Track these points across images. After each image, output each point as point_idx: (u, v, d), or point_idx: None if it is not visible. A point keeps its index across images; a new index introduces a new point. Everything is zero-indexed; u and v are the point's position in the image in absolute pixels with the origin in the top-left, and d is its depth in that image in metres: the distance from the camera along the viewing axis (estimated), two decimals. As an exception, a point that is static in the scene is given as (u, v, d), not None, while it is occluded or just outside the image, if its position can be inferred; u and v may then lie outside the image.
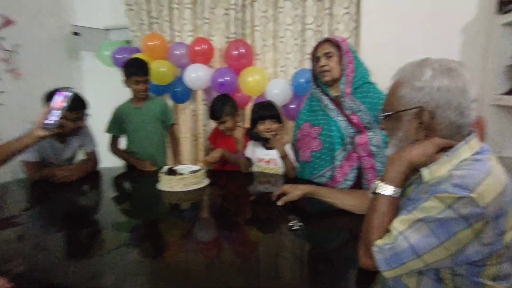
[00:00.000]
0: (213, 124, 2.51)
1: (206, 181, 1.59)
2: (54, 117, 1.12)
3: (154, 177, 1.63)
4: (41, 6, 2.57)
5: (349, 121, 1.53)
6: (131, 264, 0.93)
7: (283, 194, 1.24)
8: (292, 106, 2.24)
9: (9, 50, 2.34)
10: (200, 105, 2.60)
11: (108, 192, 1.68)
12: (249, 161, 1.81)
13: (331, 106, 1.56)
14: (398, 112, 0.80)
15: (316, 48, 1.57)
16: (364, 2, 2.20)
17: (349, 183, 1.54)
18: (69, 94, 1.18)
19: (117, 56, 2.49)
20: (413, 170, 0.81)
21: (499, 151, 2.02)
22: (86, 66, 3.00)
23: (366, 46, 2.25)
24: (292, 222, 1.08)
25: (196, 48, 2.27)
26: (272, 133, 1.70)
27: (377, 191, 0.79)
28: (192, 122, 2.62)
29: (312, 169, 1.63)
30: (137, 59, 1.96)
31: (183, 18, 2.49)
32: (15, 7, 2.34)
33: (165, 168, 1.58)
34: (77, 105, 1.60)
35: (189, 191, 1.48)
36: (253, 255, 1.00)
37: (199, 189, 1.51)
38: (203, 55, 2.28)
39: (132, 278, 0.85)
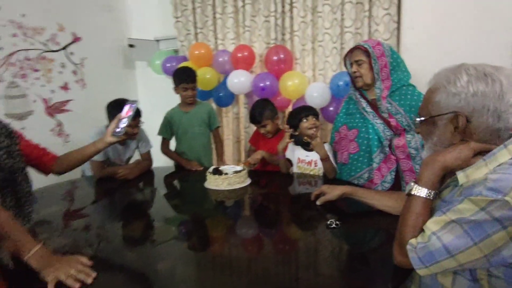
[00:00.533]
0: (254, 127, 2.64)
1: (248, 181, 1.70)
2: (122, 125, 1.28)
3: (200, 176, 1.79)
4: (101, 22, 2.88)
5: (387, 123, 1.54)
6: (180, 255, 1.04)
7: (322, 194, 1.29)
8: (331, 109, 2.27)
9: (77, 63, 2.67)
10: (242, 109, 2.72)
11: (160, 189, 1.87)
12: (289, 162, 1.88)
13: (368, 109, 1.58)
14: (433, 117, 0.83)
15: (347, 54, 1.61)
16: (405, 1, 2.16)
17: (387, 185, 1.55)
18: (135, 105, 1.34)
19: (167, 65, 2.71)
20: (450, 173, 0.83)
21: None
22: (140, 75, 3.27)
23: (407, 46, 2.21)
24: (330, 220, 1.14)
25: (238, 55, 2.40)
26: (315, 129, 1.75)
27: (412, 192, 0.83)
28: (235, 124, 2.76)
29: (350, 170, 1.66)
30: (185, 68, 2.14)
31: (226, 27, 2.64)
32: (80, 25, 2.67)
33: (211, 168, 1.71)
34: (137, 113, 1.79)
35: (233, 189, 1.60)
36: (292, 251, 1.08)
37: (242, 188, 1.62)
38: (244, 62, 2.41)
39: (182, 267, 0.97)
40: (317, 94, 2.18)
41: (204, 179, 1.68)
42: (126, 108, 1.33)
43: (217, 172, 1.67)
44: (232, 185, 1.63)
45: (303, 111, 1.81)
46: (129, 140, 1.96)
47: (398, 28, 2.18)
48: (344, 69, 2.29)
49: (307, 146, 1.80)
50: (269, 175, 1.93)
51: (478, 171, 0.75)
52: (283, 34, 2.47)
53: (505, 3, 1.97)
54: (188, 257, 1.05)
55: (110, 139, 1.29)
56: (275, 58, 2.32)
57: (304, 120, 1.78)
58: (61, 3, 2.51)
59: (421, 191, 0.81)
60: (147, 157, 2.05)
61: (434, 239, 0.72)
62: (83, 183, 1.93)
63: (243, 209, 1.52)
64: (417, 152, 1.48)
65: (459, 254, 0.69)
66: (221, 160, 2.28)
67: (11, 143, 1.05)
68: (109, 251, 1.06)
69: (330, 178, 1.72)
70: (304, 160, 1.87)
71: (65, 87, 2.59)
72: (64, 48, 2.56)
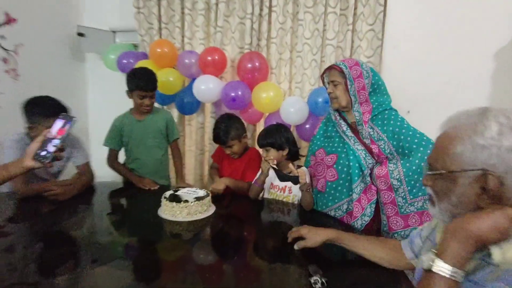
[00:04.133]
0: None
1: (212, 209, 1.44)
2: (51, 149, 0.96)
3: (154, 198, 1.50)
4: (45, 4, 2.43)
5: (368, 150, 1.39)
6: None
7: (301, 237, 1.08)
8: (307, 126, 2.07)
9: (9, 50, 2.19)
10: (208, 118, 2.44)
11: (102, 210, 1.54)
12: (261, 188, 1.64)
13: (349, 133, 1.43)
14: (454, 172, 0.65)
15: (324, 72, 1.48)
16: (389, 18, 2.05)
17: (367, 218, 1.39)
18: (70, 122, 1.01)
19: (123, 61, 2.35)
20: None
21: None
22: (91, 69, 2.85)
23: (389, 65, 2.09)
24: (314, 279, 0.91)
25: (207, 57, 2.12)
26: (272, 160, 1.54)
27: (433, 269, 0.63)
28: (199, 135, 2.46)
29: (327, 200, 1.49)
30: (144, 70, 1.79)
31: (195, 25, 2.35)
32: (17, 5, 2.20)
33: (168, 193, 1.42)
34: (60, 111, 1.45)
35: (193, 220, 1.32)
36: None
37: (204, 218, 1.35)
38: (214, 66, 2.13)
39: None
40: (293, 110, 1.97)
41: (158, 202, 1.42)
42: (59, 124, 1.00)
43: (175, 198, 1.38)
44: (192, 215, 1.35)
45: (262, 139, 1.58)
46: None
47: (382, 46, 2.05)
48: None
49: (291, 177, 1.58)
50: (236, 201, 1.67)
51: None
52: (259, 40, 2.23)
53: (488, 28, 1.93)
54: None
55: (30, 163, 0.97)
56: (249, 65, 2.08)
57: (262, 150, 1.59)
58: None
59: (445, 269, 0.62)
60: (86, 170, 1.69)
61: None
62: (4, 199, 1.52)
63: (204, 242, 1.25)
64: (400, 183, 1.32)
65: None
66: (180, 178, 1.97)
67: None
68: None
69: (307, 210, 1.51)
70: (277, 186, 1.65)
71: (-10, 77, 2.11)
72: (-9, 29, 2.09)
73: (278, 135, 1.58)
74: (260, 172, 1.68)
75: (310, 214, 1.48)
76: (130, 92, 1.78)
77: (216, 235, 1.31)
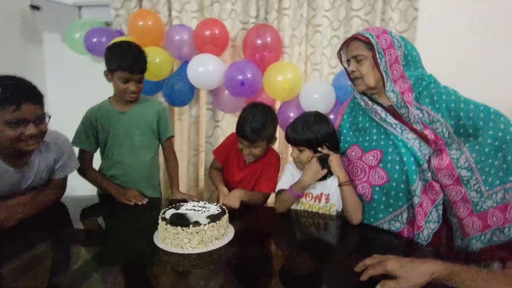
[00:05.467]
0: (221, 136, 1.93)
1: (231, 231, 1.03)
2: None
3: (144, 216, 1.16)
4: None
5: (423, 138, 1.10)
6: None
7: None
8: (331, 116, 1.69)
9: None
10: (203, 110, 1.99)
11: (70, 238, 1.04)
12: (299, 197, 1.24)
13: (390, 119, 1.12)
14: None
15: (341, 48, 1.19)
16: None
17: (434, 225, 1.12)
18: None
19: (92, 39, 1.85)
20: None
21: None
22: (50, 52, 2.30)
23: (424, 41, 1.76)
24: None
25: (205, 32, 1.66)
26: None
27: None
28: (193, 132, 2.00)
29: (377, 211, 1.17)
30: (129, 44, 1.32)
31: (185, -5, 1.89)
32: None
33: (168, 213, 1.00)
34: (33, 95, 1.01)
35: (208, 252, 0.91)
36: None
37: (222, 247, 0.94)
38: (214, 43, 1.68)
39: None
40: (318, 96, 1.57)
41: (151, 223, 1.01)
42: None
43: (180, 220, 0.95)
44: (207, 244, 0.94)
45: (298, 134, 1.20)
46: (31, 156, 1.11)
47: (417, 19, 1.71)
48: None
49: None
50: (252, 214, 1.27)
51: None
52: (267, 13, 1.82)
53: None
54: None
55: None
56: (258, 41, 1.65)
57: (292, 149, 1.25)
58: None
59: None
60: (59, 186, 1.23)
61: None
62: None
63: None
64: (471, 173, 1.04)
65: None
66: (176, 187, 1.50)
67: None
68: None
69: (355, 222, 1.14)
70: (310, 194, 1.25)
71: None
72: None
73: (319, 130, 1.18)
74: (286, 174, 1.29)
75: (365, 231, 1.12)
76: (111, 73, 1.30)
77: (249, 273, 0.88)
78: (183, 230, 0.92)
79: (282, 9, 1.79)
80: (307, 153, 1.20)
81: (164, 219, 0.96)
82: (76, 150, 1.39)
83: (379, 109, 1.13)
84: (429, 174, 1.09)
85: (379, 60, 1.07)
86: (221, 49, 1.75)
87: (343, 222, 1.17)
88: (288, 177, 1.28)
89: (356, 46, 1.12)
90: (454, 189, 1.08)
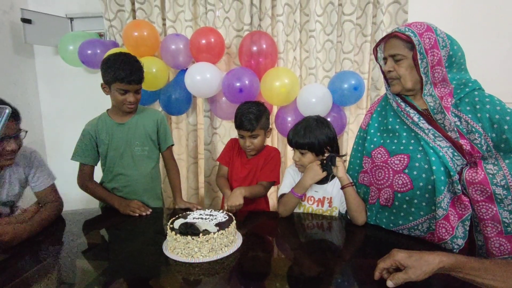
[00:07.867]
0: (219, 143, 1.94)
1: (239, 238, 1.04)
2: None
3: (150, 226, 1.16)
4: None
5: (457, 148, 1.01)
6: None
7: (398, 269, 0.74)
8: (328, 119, 1.71)
9: None
10: (201, 118, 1.99)
11: (74, 252, 1.01)
12: (301, 199, 1.26)
13: (424, 124, 1.04)
14: None
15: (378, 44, 1.10)
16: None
17: (460, 241, 1.03)
18: (6, 113, 0.73)
19: (87, 51, 1.83)
20: None
21: None
22: (42, 64, 2.27)
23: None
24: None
25: (201, 41, 1.68)
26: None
27: None
28: (190, 139, 2.00)
29: (397, 218, 1.10)
30: (125, 56, 1.32)
31: (178, 4, 1.90)
32: None
33: (177, 223, 0.99)
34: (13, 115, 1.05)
35: (219, 259, 0.92)
36: None
37: (232, 254, 0.95)
38: (210, 51, 1.69)
39: None
40: (316, 100, 1.59)
41: (157, 233, 1.10)
42: None
43: (189, 229, 0.95)
44: (217, 252, 0.94)
45: (300, 137, 1.23)
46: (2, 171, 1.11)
47: (407, 21, 1.76)
48: (344, 68, 1.80)
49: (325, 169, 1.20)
50: (256, 219, 1.28)
51: None
52: (261, 19, 1.84)
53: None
54: None
55: None
56: (254, 48, 1.67)
57: (294, 153, 1.28)
58: None
59: None
60: (52, 198, 1.22)
61: None
62: None
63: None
64: (508, 192, 0.95)
65: None
66: (179, 196, 1.49)
67: None
68: None
69: (359, 223, 1.15)
70: (312, 197, 1.27)
71: None
72: None
73: (320, 134, 1.20)
74: (287, 178, 1.31)
75: (377, 232, 1.12)
76: (108, 85, 1.30)
77: (260, 279, 0.88)
78: (193, 239, 0.92)
79: (276, 15, 1.81)
80: (309, 156, 1.22)
81: (173, 229, 0.96)
82: (77, 164, 1.39)
83: (412, 112, 1.05)
84: (459, 187, 1.00)
85: (419, 62, 0.99)
86: (217, 57, 1.76)
87: (346, 222, 1.18)
88: (289, 180, 1.30)
89: (396, 44, 1.03)
90: (484, 206, 1.00)
